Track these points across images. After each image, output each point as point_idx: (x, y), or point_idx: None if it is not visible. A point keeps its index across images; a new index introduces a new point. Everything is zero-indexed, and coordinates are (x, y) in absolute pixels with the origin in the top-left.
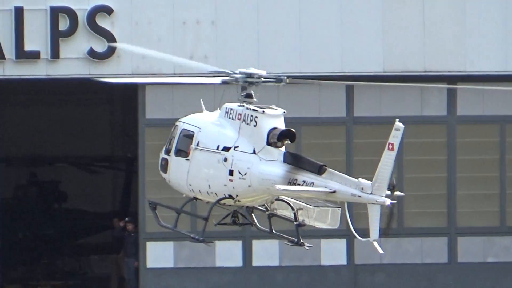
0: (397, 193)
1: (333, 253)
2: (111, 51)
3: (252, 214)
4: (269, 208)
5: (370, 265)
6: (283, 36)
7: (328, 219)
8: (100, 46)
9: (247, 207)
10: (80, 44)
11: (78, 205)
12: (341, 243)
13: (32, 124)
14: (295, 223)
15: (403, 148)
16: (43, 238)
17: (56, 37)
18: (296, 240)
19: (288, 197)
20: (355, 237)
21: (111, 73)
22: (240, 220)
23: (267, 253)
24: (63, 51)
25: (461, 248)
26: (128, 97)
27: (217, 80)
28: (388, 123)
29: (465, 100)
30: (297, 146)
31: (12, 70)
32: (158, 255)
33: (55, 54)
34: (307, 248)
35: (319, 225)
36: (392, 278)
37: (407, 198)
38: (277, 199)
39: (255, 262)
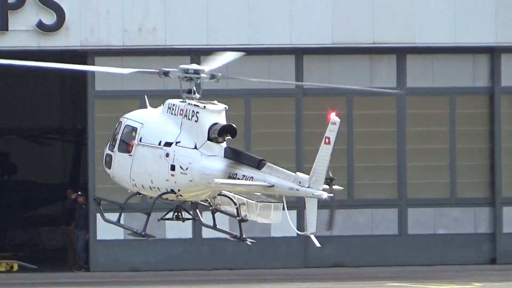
0: (336, 187)
1: (283, 225)
2: (59, 23)
3: (197, 210)
4: (212, 204)
5: (320, 237)
6: (232, 8)
7: (270, 215)
8: (49, 18)
9: (191, 202)
10: (29, 16)
11: (28, 176)
12: (292, 215)
13: None
14: (237, 218)
15: (352, 120)
16: None
17: (5, 9)
18: (238, 235)
19: (229, 192)
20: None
21: (60, 45)
22: (183, 215)
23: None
24: (12, 23)
25: (412, 219)
26: None
27: (156, 70)
28: (337, 95)
29: (415, 72)
30: (246, 119)
31: None
32: (108, 227)
33: (3, 26)
34: (249, 243)
35: (262, 220)
36: (342, 250)
37: (357, 170)
38: (220, 194)
39: (205, 234)
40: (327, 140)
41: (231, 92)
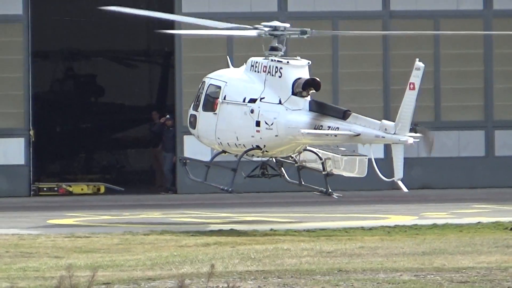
0: (419, 134)
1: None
2: None
3: (282, 168)
4: (297, 161)
5: (407, 158)
6: None
7: (356, 168)
8: None
9: (277, 161)
10: None
11: (115, 99)
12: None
13: (69, 17)
14: (323, 172)
15: (439, 41)
16: (81, 132)
17: None
18: (325, 190)
19: (315, 145)
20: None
21: None
22: (269, 172)
23: None
24: None
25: (499, 141)
26: None
27: (253, 32)
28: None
29: None
30: (333, 41)
31: None
32: (195, 148)
33: None
34: (336, 197)
35: (348, 174)
36: (429, 172)
37: (444, 92)
38: (305, 150)
39: None
40: (411, 86)
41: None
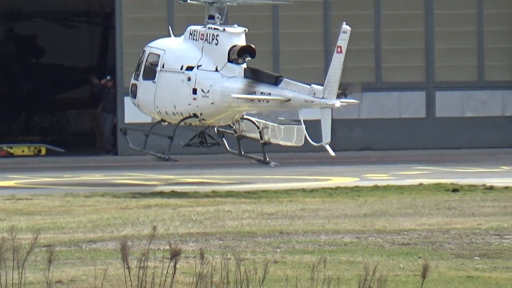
0: (348, 100)
1: (314, 110)
2: None
3: (223, 139)
4: (237, 130)
5: (347, 120)
6: None
7: (294, 137)
8: None
9: (218, 131)
10: None
11: (55, 60)
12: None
13: None
14: (260, 141)
15: (380, 4)
16: (21, 94)
17: None
18: (263, 158)
19: (253, 114)
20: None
21: None
22: (207, 140)
23: None
24: None
25: (439, 102)
26: None
27: None
28: None
29: None
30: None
31: None
32: (136, 110)
33: None
34: (273, 166)
35: (285, 143)
36: (370, 133)
37: (385, 52)
38: (243, 118)
39: None
40: (339, 49)
41: None
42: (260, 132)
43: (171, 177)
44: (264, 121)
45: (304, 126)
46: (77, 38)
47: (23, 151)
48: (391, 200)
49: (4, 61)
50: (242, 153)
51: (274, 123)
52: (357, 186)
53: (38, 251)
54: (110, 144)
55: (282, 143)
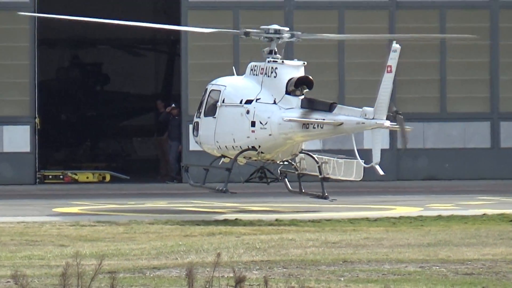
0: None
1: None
2: None
3: (286, 179)
4: (298, 168)
5: (412, 149)
6: None
7: (353, 172)
8: None
9: (281, 172)
10: None
11: (120, 87)
12: None
13: (75, 6)
14: (319, 176)
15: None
16: (86, 120)
17: None
18: (321, 194)
19: (305, 140)
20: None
21: None
22: (267, 176)
23: None
24: None
25: (504, 133)
26: None
27: (237, 31)
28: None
29: None
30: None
31: None
32: None
33: None
34: (331, 201)
35: (345, 177)
36: (434, 162)
37: (450, 83)
38: (302, 152)
39: None
40: (388, 69)
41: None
42: (319, 167)
43: (235, 205)
44: (323, 157)
45: (363, 161)
46: (142, 66)
47: (87, 178)
48: (455, 230)
49: (69, 88)
50: (303, 190)
51: (333, 158)
52: (421, 216)
53: (102, 278)
54: (175, 171)
55: (341, 178)
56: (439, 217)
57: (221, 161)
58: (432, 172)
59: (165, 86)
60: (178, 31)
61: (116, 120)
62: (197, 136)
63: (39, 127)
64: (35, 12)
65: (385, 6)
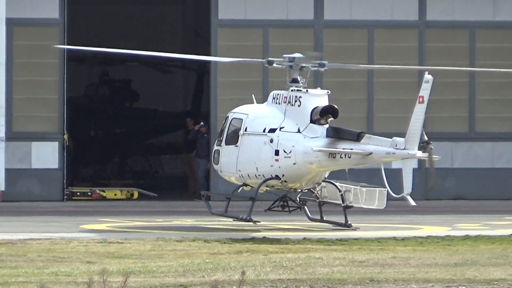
0: (434, 156)
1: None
2: None
3: (306, 207)
4: (319, 196)
5: (441, 169)
6: None
7: (376, 200)
8: None
9: (301, 200)
10: None
11: (149, 104)
12: None
13: (105, 22)
14: (342, 204)
15: (474, 54)
16: (115, 137)
17: None
18: (344, 222)
19: (331, 169)
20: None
21: None
22: (289, 204)
23: None
24: None
25: None
26: None
27: (261, 60)
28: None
29: None
30: (369, 50)
31: None
32: None
33: None
34: (355, 229)
35: (367, 206)
36: (462, 182)
37: (478, 102)
38: (325, 181)
39: None
40: (421, 99)
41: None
42: (341, 196)
43: (263, 223)
44: (346, 185)
45: (386, 190)
46: (171, 83)
47: (115, 195)
48: (482, 250)
49: (98, 105)
50: (324, 218)
51: (356, 186)
52: (448, 236)
53: None
54: (203, 189)
55: (364, 206)
56: (467, 237)
57: (240, 189)
58: (460, 192)
59: (194, 103)
60: (208, 47)
61: (144, 137)
62: (218, 164)
63: (67, 143)
64: (64, 28)
65: (415, 25)
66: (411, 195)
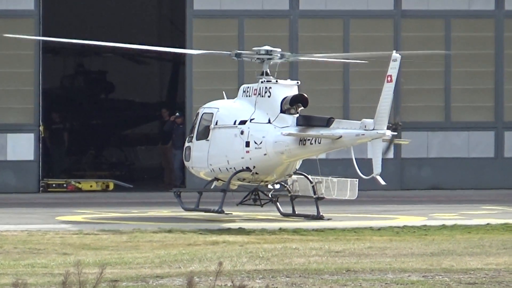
0: (401, 141)
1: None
2: None
3: (278, 203)
4: (290, 190)
5: (416, 158)
6: None
7: (347, 191)
8: None
9: (272, 196)
10: None
11: (125, 95)
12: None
13: (80, 14)
14: (314, 196)
15: (450, 43)
16: (90, 129)
17: None
18: (316, 214)
19: (302, 158)
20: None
21: None
22: (260, 197)
23: None
24: None
25: (508, 142)
26: None
27: (228, 52)
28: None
29: None
30: (344, 40)
31: None
32: None
33: None
34: (326, 220)
35: (339, 196)
36: (438, 172)
37: (454, 92)
38: (296, 173)
39: None
40: (389, 78)
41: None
42: (313, 187)
43: (239, 213)
44: (317, 177)
45: (357, 181)
46: (146, 74)
47: (91, 186)
48: (459, 239)
49: (73, 96)
50: (296, 212)
51: (327, 177)
52: (424, 225)
53: (105, 286)
54: (179, 180)
55: (335, 197)
56: (443, 227)
57: (213, 185)
58: (436, 182)
59: (169, 94)
60: (183, 39)
61: (120, 128)
62: (189, 160)
63: (43, 135)
64: (40, 19)
65: (390, 15)
66: (380, 175)
